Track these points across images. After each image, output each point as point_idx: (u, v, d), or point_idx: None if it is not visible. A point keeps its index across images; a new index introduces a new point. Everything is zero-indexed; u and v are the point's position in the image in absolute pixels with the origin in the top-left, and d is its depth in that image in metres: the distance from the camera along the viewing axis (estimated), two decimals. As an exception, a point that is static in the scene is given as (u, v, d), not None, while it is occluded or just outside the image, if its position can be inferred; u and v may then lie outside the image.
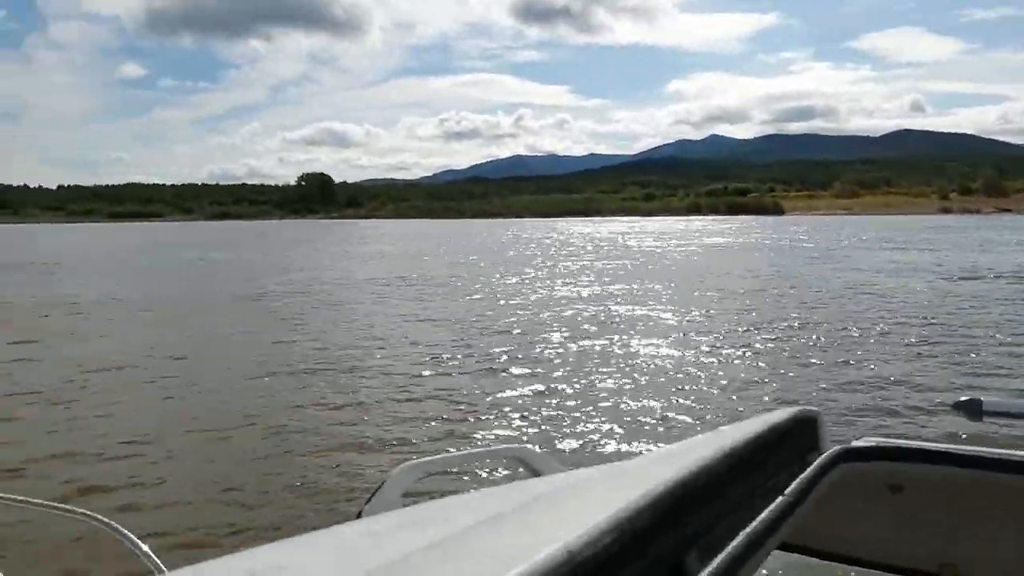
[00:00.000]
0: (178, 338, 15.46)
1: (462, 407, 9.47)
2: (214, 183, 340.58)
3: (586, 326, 16.27)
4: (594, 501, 0.83)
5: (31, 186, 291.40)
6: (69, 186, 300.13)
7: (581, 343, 14.20)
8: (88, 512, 1.87)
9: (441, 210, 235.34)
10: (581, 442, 8.10)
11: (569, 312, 18.54)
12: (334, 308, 20.06)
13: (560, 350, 13.51)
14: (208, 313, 19.43)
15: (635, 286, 24.37)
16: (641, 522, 0.62)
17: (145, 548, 1.82)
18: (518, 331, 15.71)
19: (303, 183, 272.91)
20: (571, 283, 26.27)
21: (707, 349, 13.41)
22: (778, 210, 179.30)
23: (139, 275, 33.22)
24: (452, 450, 7.26)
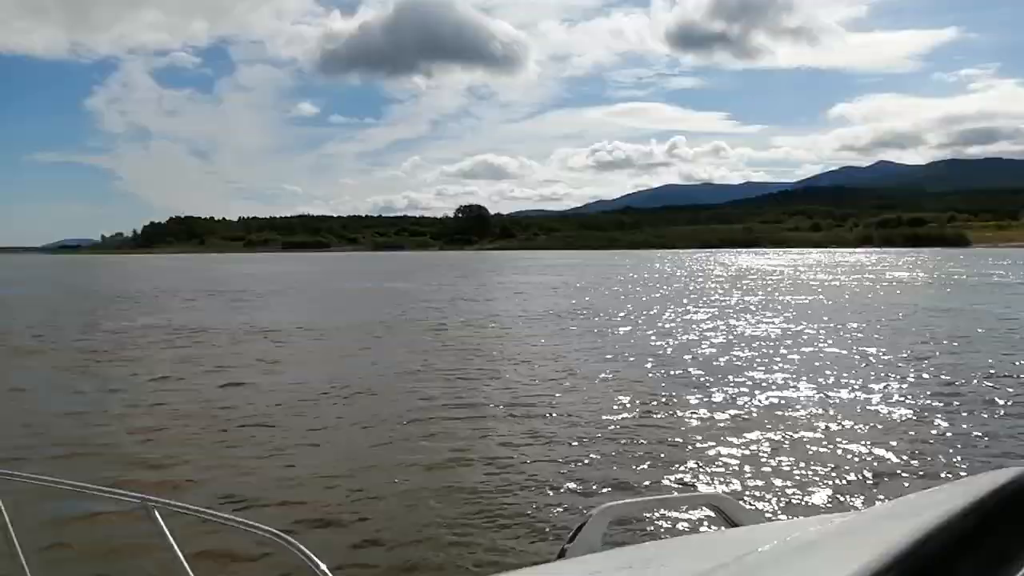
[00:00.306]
0: (372, 368, 15.73)
1: (654, 449, 9.11)
2: (377, 215, 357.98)
3: (778, 366, 15.16)
4: (828, 559, 0.80)
5: (216, 218, 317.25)
6: (248, 218, 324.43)
7: (774, 385, 13.17)
8: (280, 533, 1.93)
9: (594, 240, 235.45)
10: (776, 491, 7.54)
11: (757, 351, 17.39)
12: (516, 341, 19.89)
13: (753, 391, 12.58)
14: (396, 343, 19.73)
15: (824, 324, 22.67)
16: None
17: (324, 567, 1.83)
18: (707, 370, 14.82)
19: (460, 215, 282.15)
20: (752, 319, 24.87)
21: (917, 396, 12.04)
22: (962, 242, 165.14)
23: (322, 303, 34.75)
24: (647, 494, 7.16)
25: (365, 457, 8.98)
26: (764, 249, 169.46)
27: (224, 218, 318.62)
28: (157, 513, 2.09)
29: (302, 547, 1.87)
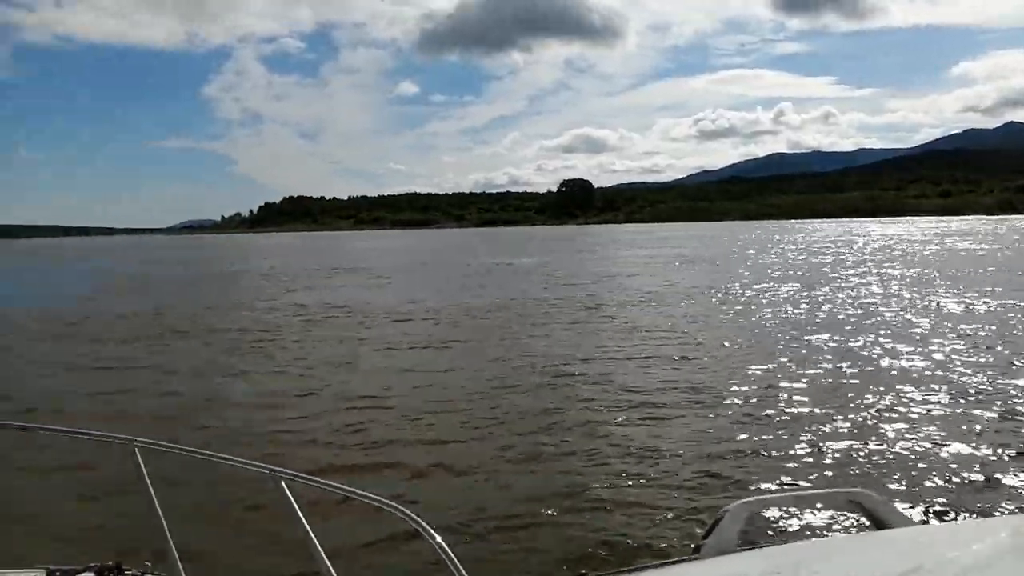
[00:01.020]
0: (536, 351, 14.64)
1: (795, 438, 8.31)
2: (480, 191, 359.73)
3: (958, 353, 13.00)
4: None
5: (327, 197, 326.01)
6: (357, 196, 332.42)
7: (947, 373, 11.33)
8: (397, 506, 2.03)
9: (702, 212, 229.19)
10: (928, 490, 6.69)
11: (927, 333, 15.26)
12: (687, 320, 18.51)
13: (922, 379, 11.00)
14: (558, 322, 18.70)
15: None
16: None
17: (452, 555, 1.89)
18: (874, 355, 13.11)
19: (563, 188, 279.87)
20: (923, 295, 22.47)
21: None
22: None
23: (459, 281, 34.12)
24: (785, 489, 6.78)
25: (508, 441, 8.62)
26: (890, 218, 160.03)
27: (335, 197, 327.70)
28: (284, 483, 2.20)
29: (418, 518, 1.95)
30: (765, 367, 12.27)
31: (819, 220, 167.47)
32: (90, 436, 2.73)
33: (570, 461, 7.83)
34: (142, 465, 2.44)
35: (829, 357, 13.02)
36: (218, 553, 5.49)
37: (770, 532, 5.40)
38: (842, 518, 5.60)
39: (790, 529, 5.59)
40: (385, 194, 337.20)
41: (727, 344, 14.72)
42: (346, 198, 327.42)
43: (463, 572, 1.87)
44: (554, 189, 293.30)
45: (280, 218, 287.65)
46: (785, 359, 12.94)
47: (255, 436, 9.05)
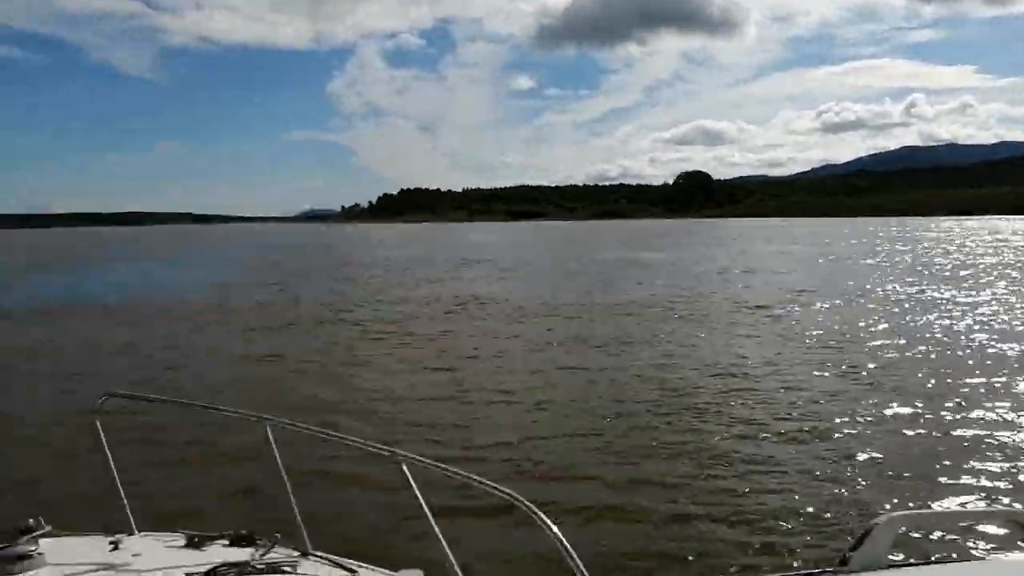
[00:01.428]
0: (700, 352, 13.59)
1: (957, 453, 7.60)
2: (592, 184, 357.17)
3: None
4: None
5: (443, 189, 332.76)
6: (471, 188, 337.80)
7: None
8: (516, 495, 1.99)
9: (828, 206, 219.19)
10: None
11: None
12: (849, 325, 16.48)
13: None
14: (721, 324, 17.14)
15: None
16: None
17: (570, 548, 1.86)
18: None
19: (681, 181, 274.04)
20: None
21: None
22: None
23: (593, 275, 32.76)
24: (936, 504, 6.24)
25: (661, 454, 8.00)
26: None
27: (450, 189, 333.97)
28: (405, 466, 2.25)
29: (536, 509, 1.94)
30: (931, 375, 11.33)
31: (961, 217, 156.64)
32: (226, 412, 2.89)
33: (724, 470, 7.38)
34: (273, 443, 2.60)
35: (1005, 369, 11.61)
36: (342, 529, 5.64)
37: (922, 549, 5.03)
38: (1001, 538, 5.23)
39: (943, 547, 5.26)
40: (498, 186, 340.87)
41: (891, 353, 13.31)
42: (460, 190, 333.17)
43: (580, 566, 1.84)
44: (669, 181, 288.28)
45: (398, 208, 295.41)
46: (955, 368, 11.78)
47: (386, 422, 9.15)
